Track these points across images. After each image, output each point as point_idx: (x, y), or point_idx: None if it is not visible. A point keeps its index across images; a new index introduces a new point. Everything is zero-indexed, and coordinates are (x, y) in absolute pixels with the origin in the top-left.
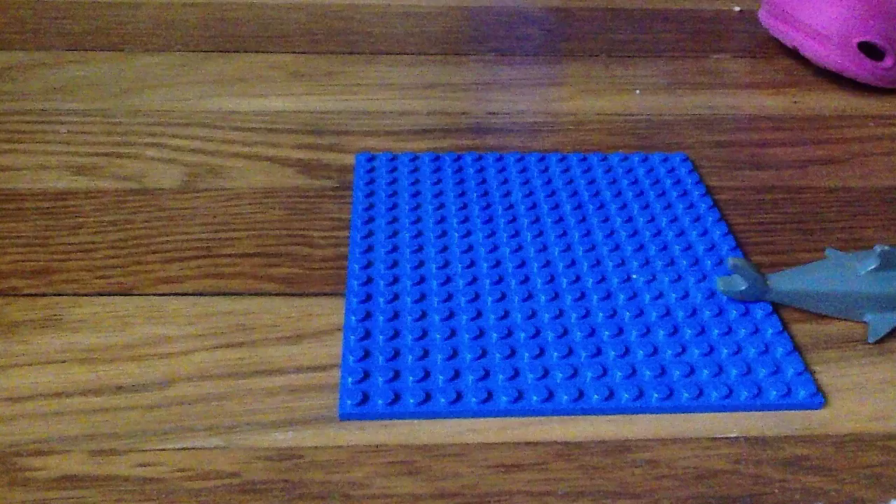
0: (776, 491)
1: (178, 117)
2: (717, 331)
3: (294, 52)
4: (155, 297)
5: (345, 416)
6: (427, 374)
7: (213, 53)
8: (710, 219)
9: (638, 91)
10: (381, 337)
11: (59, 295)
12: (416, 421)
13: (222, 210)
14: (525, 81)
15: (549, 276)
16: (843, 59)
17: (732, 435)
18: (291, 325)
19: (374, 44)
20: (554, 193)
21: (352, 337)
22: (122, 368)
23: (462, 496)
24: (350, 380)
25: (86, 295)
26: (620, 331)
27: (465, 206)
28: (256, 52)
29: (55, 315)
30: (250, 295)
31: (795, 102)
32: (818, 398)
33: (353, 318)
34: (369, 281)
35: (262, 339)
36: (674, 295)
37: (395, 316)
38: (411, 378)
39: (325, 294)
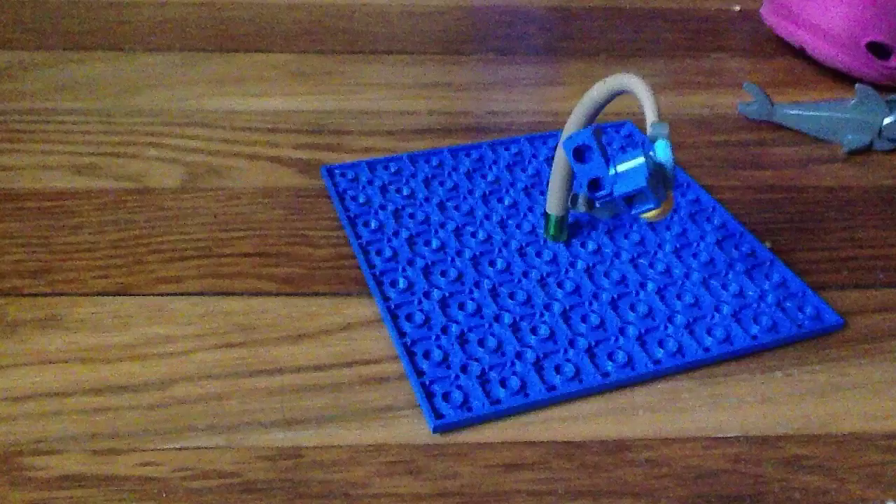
0: (776, 490)
1: (178, 117)
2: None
3: (294, 52)
4: (155, 297)
5: (442, 427)
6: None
7: (213, 53)
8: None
9: None
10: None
11: (60, 295)
12: (416, 420)
13: (222, 210)
14: (525, 81)
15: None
16: (852, 60)
17: (732, 434)
18: (292, 324)
19: (374, 44)
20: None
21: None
22: (122, 368)
23: (463, 496)
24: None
25: (86, 295)
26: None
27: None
28: (256, 51)
29: (56, 315)
30: (250, 295)
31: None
32: (839, 318)
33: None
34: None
35: (262, 339)
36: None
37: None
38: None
39: (325, 294)
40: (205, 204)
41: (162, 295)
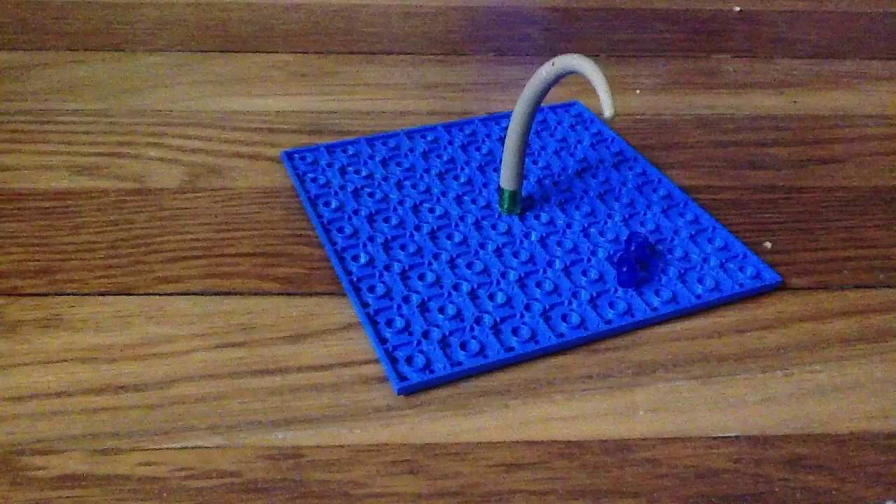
0: (777, 490)
1: (178, 117)
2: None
3: (294, 52)
4: (156, 297)
5: (406, 389)
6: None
7: (214, 53)
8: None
9: (638, 91)
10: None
11: (61, 295)
12: (416, 419)
13: (223, 210)
14: (525, 81)
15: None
16: None
17: (732, 434)
18: (292, 324)
19: (374, 44)
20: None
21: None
22: (123, 368)
23: (463, 495)
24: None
25: (87, 294)
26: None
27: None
28: (257, 51)
29: (56, 315)
30: (251, 294)
31: (795, 102)
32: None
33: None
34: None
35: (262, 339)
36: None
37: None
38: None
39: (325, 294)
40: (205, 204)
41: (163, 294)
